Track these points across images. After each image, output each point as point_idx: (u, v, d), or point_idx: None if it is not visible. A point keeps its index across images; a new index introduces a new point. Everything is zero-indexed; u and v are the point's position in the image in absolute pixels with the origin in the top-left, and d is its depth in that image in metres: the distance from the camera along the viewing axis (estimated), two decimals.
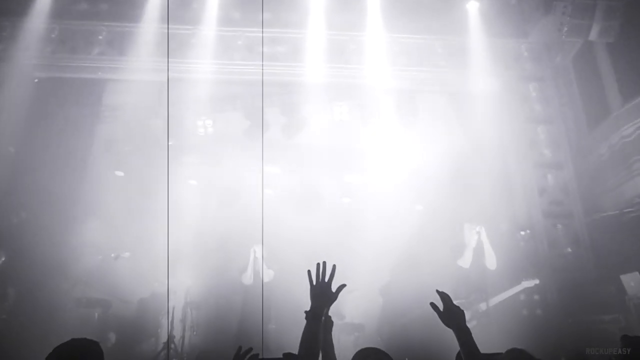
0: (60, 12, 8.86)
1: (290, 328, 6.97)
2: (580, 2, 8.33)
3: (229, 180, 8.96)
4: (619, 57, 8.59)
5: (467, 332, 2.65)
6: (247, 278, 7.48)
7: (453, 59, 9.31)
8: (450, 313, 2.71)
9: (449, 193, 8.37)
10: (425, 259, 7.65)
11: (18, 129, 8.37)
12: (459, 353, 3.04)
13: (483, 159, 8.68)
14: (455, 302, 6.72)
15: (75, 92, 9.06)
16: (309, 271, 2.78)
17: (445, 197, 8.32)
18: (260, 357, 2.75)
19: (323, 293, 2.70)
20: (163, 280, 7.51)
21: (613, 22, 8.37)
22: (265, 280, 7.62)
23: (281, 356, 2.94)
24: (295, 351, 2.75)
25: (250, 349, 2.72)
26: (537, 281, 7.34)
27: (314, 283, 2.74)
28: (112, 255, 7.62)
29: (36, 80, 8.99)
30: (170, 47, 9.06)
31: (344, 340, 7.33)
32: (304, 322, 2.77)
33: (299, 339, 2.61)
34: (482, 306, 7.06)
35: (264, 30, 8.94)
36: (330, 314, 3.08)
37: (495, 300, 7.15)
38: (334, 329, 3.22)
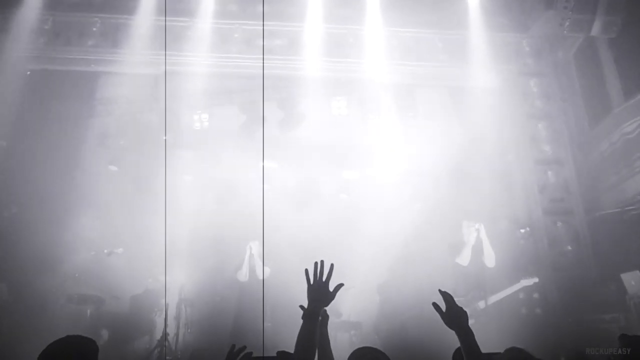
0: (53, 3, 8.75)
1: (287, 326, 6.94)
2: None
3: (225, 175, 8.88)
4: (621, 53, 8.54)
5: (469, 333, 2.60)
6: (243, 275, 7.42)
7: (453, 53, 9.24)
8: (453, 314, 2.66)
9: (448, 190, 8.33)
10: (424, 257, 7.62)
11: (10, 123, 8.29)
12: (456, 351, 3.00)
13: (483, 155, 8.62)
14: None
15: (69, 85, 8.96)
16: (306, 270, 2.73)
17: (444, 193, 8.28)
18: (253, 355, 2.67)
19: (321, 292, 2.66)
20: (157, 277, 7.47)
21: (615, 17, 8.32)
22: (261, 277, 7.57)
23: (276, 354, 2.90)
24: (291, 349, 2.71)
25: (244, 347, 2.67)
26: (536, 279, 7.31)
27: (311, 282, 2.70)
28: (105, 251, 7.54)
29: (28, 73, 8.88)
30: (166, 39, 9.01)
31: (340, 338, 7.29)
32: (301, 320, 2.70)
33: (295, 337, 2.55)
34: (481, 304, 7.02)
35: (261, 23, 8.89)
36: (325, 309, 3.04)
37: (494, 298, 7.11)
38: (330, 326, 3.19)
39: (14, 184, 7.91)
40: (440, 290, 2.79)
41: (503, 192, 8.52)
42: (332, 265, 2.73)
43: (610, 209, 8.16)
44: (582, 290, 7.63)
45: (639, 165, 7.98)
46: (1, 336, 6.35)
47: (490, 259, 7.20)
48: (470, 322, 2.80)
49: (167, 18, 8.89)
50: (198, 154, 9.05)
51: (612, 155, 8.47)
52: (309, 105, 9.37)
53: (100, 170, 8.81)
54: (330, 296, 2.66)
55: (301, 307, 2.68)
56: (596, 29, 8.46)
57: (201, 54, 8.85)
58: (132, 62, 8.71)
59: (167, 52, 8.92)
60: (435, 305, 2.70)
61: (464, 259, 7.21)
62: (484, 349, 2.76)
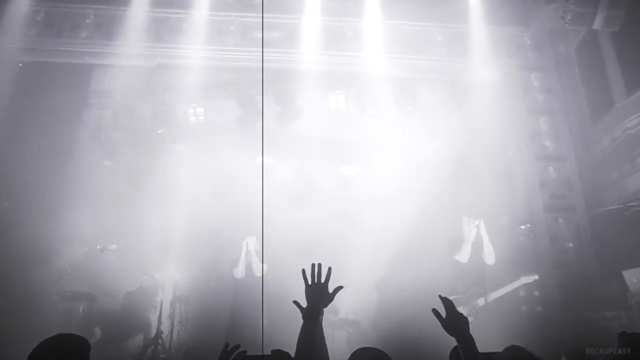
0: None
1: (284, 324, 6.89)
2: None
3: (220, 170, 8.81)
4: (624, 47, 8.46)
5: (470, 339, 2.55)
6: (239, 272, 7.36)
7: (453, 47, 9.16)
8: (453, 320, 2.60)
9: (447, 185, 8.27)
10: (423, 254, 7.57)
11: (1, 116, 8.19)
12: (452, 350, 2.96)
13: (483, 150, 8.58)
14: (452, 297, 6.67)
15: (61, 78, 8.81)
16: (303, 270, 2.71)
17: (443, 189, 8.22)
18: (247, 353, 2.67)
19: (319, 294, 2.64)
20: (151, 274, 7.41)
21: (618, 10, 8.24)
22: (258, 274, 7.52)
23: (271, 353, 2.86)
24: (288, 347, 2.74)
25: (238, 346, 2.65)
26: (536, 277, 7.25)
27: (309, 283, 2.67)
28: (98, 247, 7.45)
29: (20, 65, 8.76)
30: (160, 31, 8.90)
31: (338, 337, 7.24)
32: (298, 317, 2.73)
33: (292, 335, 2.55)
34: (480, 302, 6.99)
35: (258, 15, 8.80)
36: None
37: (493, 295, 7.06)
38: (328, 325, 3.15)
39: (5, 178, 7.80)
40: (440, 296, 2.74)
41: (503, 188, 8.44)
42: (329, 268, 2.72)
43: (612, 205, 8.09)
44: (583, 287, 7.57)
45: None
46: None
47: (490, 256, 7.15)
48: (470, 319, 2.77)
49: (161, 9, 8.83)
50: (193, 148, 8.97)
51: (614, 151, 8.40)
52: (307, 100, 9.29)
53: (93, 165, 8.71)
54: (330, 297, 2.65)
55: (295, 302, 2.65)
56: (598, 22, 8.37)
57: (197, 46, 8.74)
58: (126, 54, 8.60)
59: (161, 45, 8.88)
60: (434, 311, 2.66)
61: (464, 256, 7.16)
62: (484, 347, 2.72)
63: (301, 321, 2.69)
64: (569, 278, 7.81)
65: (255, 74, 9.14)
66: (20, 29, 8.53)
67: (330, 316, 7.30)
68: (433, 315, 2.73)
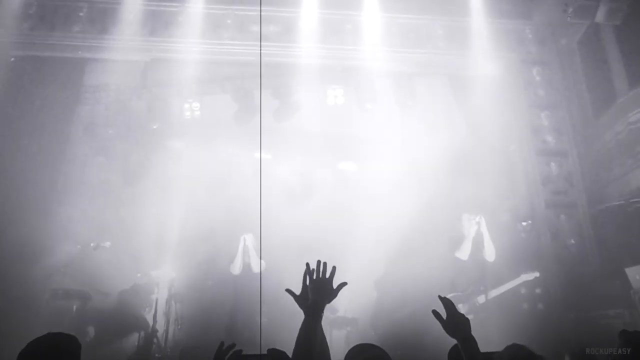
0: None
1: (283, 322, 6.85)
2: None
3: (217, 166, 8.76)
4: (627, 40, 8.41)
5: (472, 341, 2.50)
6: (236, 268, 7.32)
7: (453, 40, 9.10)
8: (455, 322, 2.55)
9: (447, 181, 8.22)
10: (423, 250, 7.53)
11: None
12: (452, 349, 2.92)
13: (483, 145, 8.52)
14: (452, 295, 6.61)
15: (54, 72, 8.70)
16: (307, 264, 2.65)
17: (443, 185, 8.18)
18: (243, 352, 2.60)
19: (324, 289, 2.60)
20: (146, 271, 7.36)
21: (621, 3, 8.19)
22: (256, 271, 7.48)
23: (267, 352, 2.82)
24: (287, 346, 2.69)
25: (233, 345, 2.60)
26: (537, 274, 7.22)
27: (314, 277, 2.62)
28: (92, 244, 7.34)
29: (12, 59, 8.64)
30: (155, 25, 8.83)
31: (336, 335, 7.21)
32: (297, 315, 2.67)
33: (291, 333, 2.50)
34: (480, 299, 6.96)
35: (255, 8, 8.74)
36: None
37: (494, 293, 7.03)
38: (326, 323, 3.11)
39: None
40: (440, 297, 2.68)
41: (504, 184, 8.38)
42: (334, 267, 2.66)
43: (615, 202, 8.05)
44: (585, 285, 7.52)
45: None
46: None
47: (490, 253, 7.12)
48: (469, 317, 2.75)
49: (156, 2, 8.75)
50: (189, 144, 8.91)
51: (617, 146, 8.36)
52: (305, 94, 9.20)
53: (87, 161, 8.63)
54: (333, 293, 2.60)
55: (288, 290, 2.60)
56: (601, 15, 8.31)
57: (192, 40, 8.65)
58: (120, 48, 8.52)
59: (156, 38, 8.81)
60: (435, 312, 2.60)
61: (463, 253, 7.13)
62: (484, 345, 2.66)
63: (300, 319, 2.62)
64: (570, 275, 7.75)
65: (252, 68, 9.13)
66: (13, 22, 8.43)
67: (328, 314, 7.27)
68: (431, 313, 2.68)
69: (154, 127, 8.96)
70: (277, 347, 2.82)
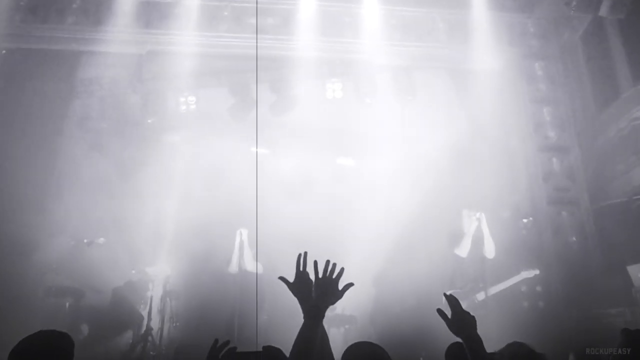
0: None
1: (283, 319, 6.84)
2: None
3: (213, 161, 8.73)
4: (630, 35, 8.40)
5: (477, 340, 2.47)
6: (233, 265, 7.30)
7: (454, 34, 9.07)
8: (460, 320, 2.52)
9: (447, 177, 8.20)
10: (422, 247, 7.53)
11: None
12: (449, 348, 2.91)
13: (484, 141, 8.47)
14: (451, 292, 6.60)
15: (47, 65, 8.68)
16: (315, 262, 2.56)
17: (443, 181, 8.15)
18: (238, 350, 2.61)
19: (329, 290, 2.51)
20: (140, 268, 7.34)
21: None
22: (252, 268, 7.46)
23: (262, 350, 2.80)
24: (284, 343, 2.65)
25: (227, 342, 2.60)
26: (537, 271, 7.21)
27: (319, 276, 2.52)
28: (85, 240, 7.34)
29: (4, 52, 8.60)
30: (150, 17, 8.77)
31: (334, 333, 7.20)
32: (297, 312, 2.57)
33: (291, 331, 2.47)
34: (480, 296, 6.96)
35: (252, 0, 8.70)
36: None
37: (493, 290, 7.03)
38: (324, 322, 3.07)
39: None
40: (445, 294, 2.65)
41: (505, 180, 8.36)
42: (342, 268, 2.57)
43: (617, 199, 8.07)
44: (586, 282, 7.49)
45: None
46: None
47: (490, 250, 7.10)
48: None
49: None
50: (185, 138, 8.87)
51: (620, 142, 8.35)
52: (303, 88, 9.16)
53: (80, 155, 8.59)
54: (339, 294, 2.51)
55: (281, 278, 2.52)
56: (604, 9, 8.27)
57: (188, 32, 8.60)
58: (114, 40, 8.47)
59: (152, 31, 8.76)
60: (439, 311, 2.55)
61: (463, 250, 7.11)
62: (484, 343, 2.66)
63: (298, 316, 2.56)
64: (572, 273, 7.74)
65: (249, 62, 9.09)
66: (4, 14, 8.35)
67: (326, 312, 7.23)
68: (432, 310, 2.65)
69: (149, 121, 8.92)
70: (277, 345, 2.80)
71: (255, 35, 8.68)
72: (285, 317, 6.90)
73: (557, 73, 9.19)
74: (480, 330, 2.59)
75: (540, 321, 7.06)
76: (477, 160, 8.32)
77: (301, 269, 2.56)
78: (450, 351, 2.90)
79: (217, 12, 8.90)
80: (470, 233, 7.14)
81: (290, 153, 9.00)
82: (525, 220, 8.31)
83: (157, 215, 7.79)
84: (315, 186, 8.87)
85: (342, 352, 2.76)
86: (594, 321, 6.95)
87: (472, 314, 2.59)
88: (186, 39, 8.60)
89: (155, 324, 6.92)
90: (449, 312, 2.60)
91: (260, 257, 7.59)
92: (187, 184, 8.34)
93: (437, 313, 2.58)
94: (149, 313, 6.95)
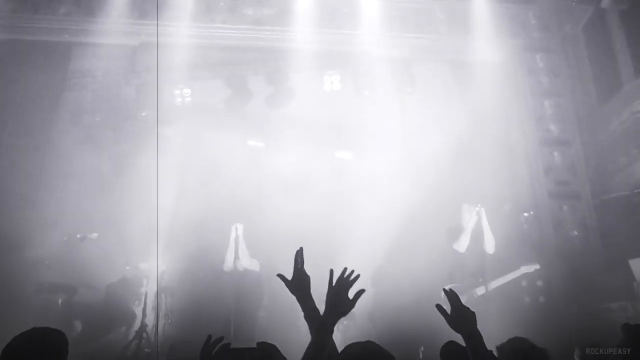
0: None
1: (282, 316, 6.81)
2: None
3: (208, 154, 8.66)
4: (633, 26, 8.34)
5: (477, 337, 2.43)
6: (227, 261, 7.25)
7: (454, 25, 9.02)
8: (460, 317, 2.47)
9: (447, 171, 8.18)
10: (422, 241, 7.48)
11: None
12: (443, 347, 2.89)
13: (485, 134, 8.45)
14: (450, 286, 6.57)
15: (39, 57, 8.54)
16: (331, 270, 2.42)
17: (443, 174, 8.13)
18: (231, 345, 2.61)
19: (339, 300, 2.37)
20: (134, 264, 7.28)
21: None
22: (248, 265, 7.43)
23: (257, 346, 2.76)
24: (281, 340, 2.71)
25: (221, 338, 2.58)
26: (537, 266, 7.18)
27: (333, 284, 2.39)
28: (78, 235, 7.22)
29: None
30: (144, 7, 8.67)
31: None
32: (296, 310, 2.57)
33: (289, 327, 2.43)
34: (480, 291, 6.93)
35: None
36: (316, 300, 2.76)
37: (493, 285, 7.00)
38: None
39: None
40: (444, 290, 2.59)
41: (506, 174, 8.34)
42: (357, 275, 2.43)
43: (619, 192, 8.03)
44: (588, 277, 7.49)
45: None
46: None
47: (490, 246, 7.07)
48: None
49: None
50: (180, 131, 8.77)
51: (622, 135, 8.30)
52: (300, 80, 9.08)
53: (73, 149, 8.46)
54: (350, 304, 2.37)
55: (279, 275, 2.47)
56: (606, 0, 8.27)
57: (183, 23, 8.51)
58: (108, 32, 8.39)
59: (146, 22, 8.65)
60: (439, 307, 2.50)
61: (461, 245, 7.07)
62: (484, 339, 2.63)
63: (296, 313, 2.57)
64: (573, 267, 7.72)
65: (245, 53, 9.03)
66: None
67: (324, 307, 7.20)
68: (431, 305, 2.60)
69: (143, 114, 8.81)
70: (274, 342, 2.76)
71: (251, 27, 8.64)
72: (284, 314, 6.88)
73: (559, 65, 9.15)
74: (480, 326, 2.55)
75: (541, 316, 7.04)
76: (478, 153, 8.30)
77: (299, 266, 2.51)
78: (444, 350, 2.86)
79: (213, 2, 8.83)
80: (469, 228, 7.09)
81: (287, 147, 8.92)
82: (526, 214, 8.29)
83: (151, 210, 7.72)
84: (313, 180, 8.80)
85: (340, 348, 2.71)
86: (595, 316, 6.93)
87: (472, 309, 2.54)
88: (181, 30, 8.52)
89: (149, 320, 6.83)
90: (448, 308, 2.55)
91: (256, 252, 7.54)
92: (183, 178, 8.27)
93: (436, 309, 2.54)
94: (144, 309, 6.86)
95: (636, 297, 6.78)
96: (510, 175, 8.55)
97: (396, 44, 8.94)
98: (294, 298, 2.59)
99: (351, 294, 2.37)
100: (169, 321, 7.07)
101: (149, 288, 7.12)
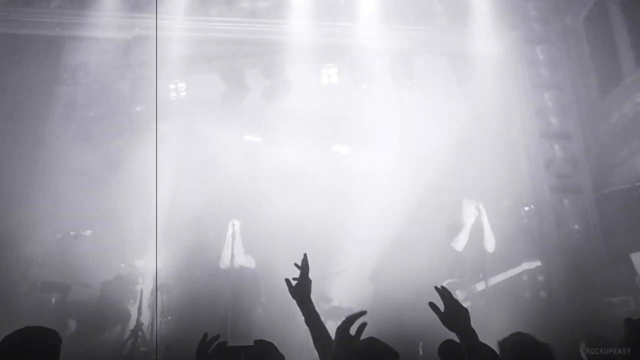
0: None
1: (280, 313, 6.78)
2: None
3: (204, 149, 8.62)
4: (635, 18, 8.26)
5: (472, 334, 2.39)
6: (224, 257, 7.21)
7: (453, 17, 8.91)
8: (453, 314, 2.43)
9: (447, 164, 8.14)
10: (422, 237, 7.45)
11: None
12: (442, 345, 2.86)
13: (485, 127, 8.41)
14: (450, 281, 6.53)
15: (30, 51, 8.43)
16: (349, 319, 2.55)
17: (442, 168, 8.10)
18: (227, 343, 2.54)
19: (347, 337, 2.48)
20: (130, 261, 7.23)
21: None
22: (245, 261, 7.39)
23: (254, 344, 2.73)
24: (282, 338, 2.78)
25: (218, 336, 2.55)
26: (538, 263, 7.17)
27: (341, 329, 2.50)
28: (72, 233, 7.16)
29: None
30: (138, 0, 8.61)
31: (330, 326, 7.10)
32: (294, 307, 2.72)
33: (287, 324, 2.47)
34: (480, 286, 6.91)
35: None
36: (315, 298, 2.91)
37: (494, 281, 6.98)
38: (320, 314, 3.04)
39: None
40: (436, 287, 2.53)
41: (506, 168, 8.28)
42: (364, 323, 2.54)
43: (621, 185, 7.99)
44: (589, 271, 7.45)
45: None
46: None
47: (490, 244, 7.05)
48: (467, 304, 2.71)
49: None
50: (175, 126, 8.71)
51: (623, 128, 8.24)
52: (297, 74, 8.99)
53: (66, 145, 8.41)
54: (354, 339, 2.47)
55: (286, 280, 2.62)
56: None
57: (178, 16, 8.37)
58: (101, 25, 8.27)
59: (139, 15, 8.57)
60: (431, 305, 2.46)
61: (460, 244, 7.06)
62: (484, 334, 2.56)
63: (294, 310, 2.66)
64: (574, 262, 7.68)
65: (241, 47, 8.95)
66: None
67: (322, 304, 7.19)
68: (429, 298, 2.60)
69: (137, 109, 8.74)
70: (272, 339, 2.73)
71: (247, 20, 8.56)
72: (281, 311, 6.84)
73: (559, 57, 9.07)
74: (481, 321, 2.52)
75: (542, 311, 7.03)
76: (477, 147, 8.26)
77: (304, 272, 2.68)
78: (442, 348, 2.83)
79: None
80: (468, 226, 7.06)
81: (284, 141, 8.89)
82: (526, 209, 8.24)
83: (147, 206, 7.66)
84: (311, 175, 8.76)
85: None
86: (597, 310, 6.91)
87: (473, 304, 2.52)
88: (176, 23, 8.38)
89: (145, 318, 6.79)
90: (441, 306, 2.52)
91: (254, 249, 7.51)
92: (178, 173, 8.22)
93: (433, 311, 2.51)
94: (139, 308, 6.82)
95: (638, 291, 6.75)
96: (511, 169, 8.49)
97: (394, 36, 8.84)
98: (290, 295, 2.77)
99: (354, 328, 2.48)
100: (165, 319, 7.03)
101: (145, 286, 7.07)
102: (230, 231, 7.21)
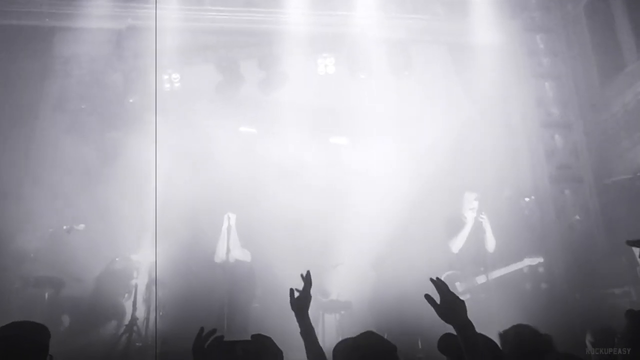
0: None
1: (276, 307, 6.75)
2: None
3: (198, 141, 8.55)
4: (636, 6, 8.22)
5: (469, 327, 2.35)
6: (219, 251, 7.17)
7: (452, 6, 8.90)
8: (449, 308, 2.39)
9: (446, 155, 8.11)
10: (422, 229, 7.45)
11: None
12: (441, 339, 2.85)
13: (484, 117, 8.38)
14: (449, 273, 6.52)
15: (20, 42, 8.37)
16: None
17: (442, 159, 8.05)
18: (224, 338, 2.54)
19: None
20: (124, 256, 7.18)
21: None
22: (242, 255, 7.36)
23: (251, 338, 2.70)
24: (278, 332, 2.84)
25: (214, 331, 2.56)
26: (541, 259, 7.20)
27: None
28: (65, 227, 7.08)
29: None
30: None
31: (328, 319, 7.10)
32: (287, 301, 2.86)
33: (283, 318, 2.51)
34: (481, 279, 6.90)
35: None
36: (312, 291, 3.00)
37: (495, 274, 6.97)
38: (318, 307, 3.07)
39: None
40: (431, 279, 2.48)
41: (506, 158, 8.26)
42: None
43: (622, 176, 7.98)
44: (590, 262, 7.47)
45: None
46: None
47: (491, 244, 7.05)
48: (467, 297, 2.69)
49: None
50: (169, 118, 8.61)
51: (625, 117, 8.23)
52: (293, 64, 8.91)
53: (58, 138, 8.28)
54: None
55: (291, 290, 2.78)
56: None
57: (172, 6, 8.30)
58: (93, 15, 8.21)
59: (132, 4, 8.50)
60: (428, 297, 2.42)
61: (456, 246, 7.05)
62: (484, 326, 2.57)
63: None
64: (575, 253, 7.71)
65: (237, 36, 8.88)
66: None
67: (320, 298, 7.16)
68: (431, 294, 2.56)
69: (131, 100, 8.65)
70: (269, 333, 2.70)
71: (243, 9, 8.48)
72: (277, 305, 6.81)
73: (560, 46, 9.07)
74: (483, 313, 2.49)
75: (543, 302, 7.01)
76: (477, 137, 8.24)
77: (308, 287, 2.86)
78: (442, 342, 2.82)
79: None
80: (468, 226, 7.08)
81: (280, 133, 8.80)
82: (527, 199, 8.26)
83: (141, 200, 7.62)
84: (308, 167, 8.69)
85: (336, 338, 2.66)
86: (598, 301, 6.92)
87: (470, 296, 2.51)
88: (170, 13, 8.30)
89: (140, 313, 6.72)
90: (437, 298, 2.49)
91: (249, 243, 7.47)
92: (173, 166, 8.14)
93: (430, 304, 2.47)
94: (134, 302, 6.74)
95: (639, 282, 6.78)
96: (511, 160, 8.48)
97: (392, 25, 8.80)
98: (287, 289, 2.93)
99: None
100: (161, 314, 6.97)
101: (140, 280, 7.01)
102: (225, 224, 7.15)
